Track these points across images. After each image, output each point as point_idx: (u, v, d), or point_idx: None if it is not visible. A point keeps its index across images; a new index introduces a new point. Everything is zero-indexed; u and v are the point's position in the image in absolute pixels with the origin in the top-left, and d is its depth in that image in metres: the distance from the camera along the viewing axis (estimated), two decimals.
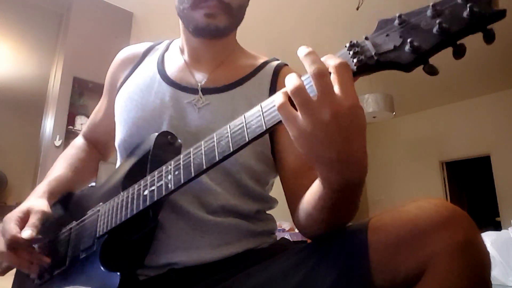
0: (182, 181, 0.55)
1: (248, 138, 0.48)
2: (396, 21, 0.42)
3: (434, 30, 0.40)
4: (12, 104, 4.90)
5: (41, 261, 0.68)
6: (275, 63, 0.81)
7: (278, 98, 0.45)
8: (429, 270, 0.44)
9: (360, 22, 3.63)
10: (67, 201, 0.79)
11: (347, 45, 0.45)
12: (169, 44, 0.87)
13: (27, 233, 0.64)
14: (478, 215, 5.15)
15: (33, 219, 0.66)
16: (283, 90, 0.45)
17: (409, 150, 6.22)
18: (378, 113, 4.59)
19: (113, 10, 3.32)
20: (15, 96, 4.70)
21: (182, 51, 0.83)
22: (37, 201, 0.71)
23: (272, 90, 0.75)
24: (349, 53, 0.44)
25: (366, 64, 0.43)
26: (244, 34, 0.94)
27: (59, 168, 0.84)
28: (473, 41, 0.43)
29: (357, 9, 3.01)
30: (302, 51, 0.44)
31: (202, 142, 0.54)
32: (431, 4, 0.40)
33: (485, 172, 5.52)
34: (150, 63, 0.82)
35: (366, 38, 0.44)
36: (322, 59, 0.44)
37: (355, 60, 0.43)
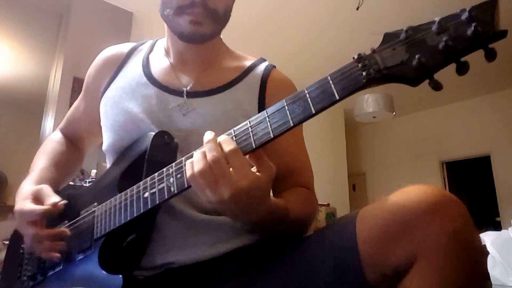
0: (186, 185, 0.55)
1: (255, 145, 0.52)
2: (403, 35, 0.43)
3: (440, 46, 0.40)
4: (12, 104, 4.88)
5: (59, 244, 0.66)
6: (263, 65, 0.80)
7: (187, 171, 0.52)
8: (418, 261, 0.43)
9: (360, 22, 3.63)
10: None
11: (355, 57, 0.45)
12: (153, 44, 0.85)
13: (54, 199, 0.66)
14: (478, 215, 5.14)
15: (49, 191, 0.68)
16: (191, 162, 0.52)
17: (409, 150, 6.22)
18: (378, 113, 4.58)
19: (113, 10, 3.31)
20: (15, 96, 4.68)
21: (167, 53, 0.81)
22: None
23: (262, 95, 0.75)
24: (358, 65, 0.45)
25: (374, 78, 0.44)
26: (244, 34, 0.94)
27: (42, 162, 0.82)
28: None
29: (357, 9, 3.01)
30: (205, 137, 0.52)
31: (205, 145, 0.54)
32: (437, 20, 0.41)
33: (485, 172, 5.51)
34: (135, 64, 0.80)
35: (374, 51, 0.44)
36: (219, 139, 0.52)
37: (364, 73, 0.44)
